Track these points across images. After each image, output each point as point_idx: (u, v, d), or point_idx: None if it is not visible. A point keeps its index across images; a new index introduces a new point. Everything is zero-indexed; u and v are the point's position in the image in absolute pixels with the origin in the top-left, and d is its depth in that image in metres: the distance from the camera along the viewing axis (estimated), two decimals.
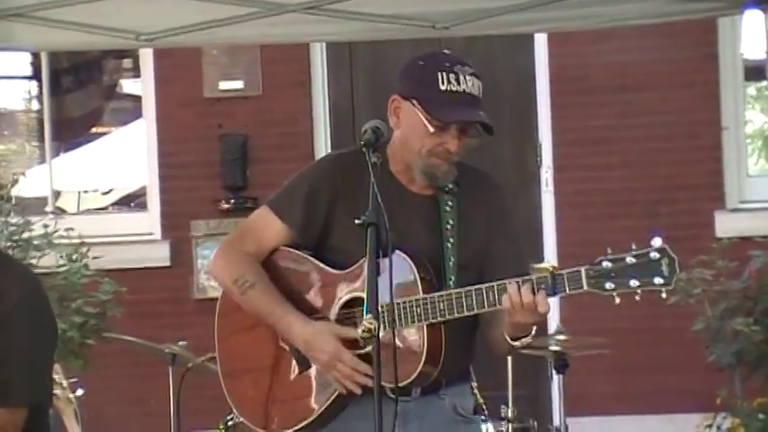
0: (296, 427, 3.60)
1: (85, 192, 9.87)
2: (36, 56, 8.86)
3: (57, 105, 8.93)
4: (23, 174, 7.85)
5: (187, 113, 8.27)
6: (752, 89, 8.63)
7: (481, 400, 5.03)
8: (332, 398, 3.56)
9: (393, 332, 3.44)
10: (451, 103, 3.53)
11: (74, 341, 6.67)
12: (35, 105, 9.62)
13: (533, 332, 3.44)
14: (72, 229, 7.21)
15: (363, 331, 3.26)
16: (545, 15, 6.10)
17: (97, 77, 9.52)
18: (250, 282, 3.63)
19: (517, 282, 3.35)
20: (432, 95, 3.53)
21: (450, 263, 3.52)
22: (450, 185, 3.57)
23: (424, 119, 3.54)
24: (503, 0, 5.66)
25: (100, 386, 6.14)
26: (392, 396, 3.41)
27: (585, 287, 3.32)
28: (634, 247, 3.33)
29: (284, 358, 3.64)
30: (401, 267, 3.47)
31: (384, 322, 3.39)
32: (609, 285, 3.31)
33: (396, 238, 3.42)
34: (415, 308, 3.44)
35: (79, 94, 9.38)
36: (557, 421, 5.75)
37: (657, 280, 3.30)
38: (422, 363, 3.44)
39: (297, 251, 3.68)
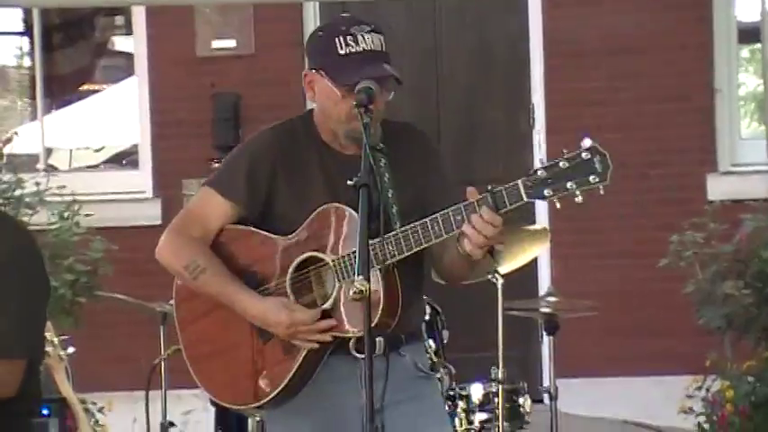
0: (272, 394, 3.63)
1: (77, 149, 9.83)
2: (28, 12, 8.81)
3: (48, 62, 8.90)
4: (16, 133, 7.83)
5: (179, 72, 8.26)
6: (745, 51, 8.61)
7: (435, 359, 5.08)
8: (301, 358, 3.60)
9: (387, 272, 3.48)
10: (353, 64, 3.56)
11: (65, 299, 6.68)
12: (27, 62, 9.58)
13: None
14: (64, 186, 7.19)
15: (354, 292, 3.27)
16: None
17: (89, 34, 9.48)
18: (201, 266, 3.67)
19: (463, 206, 3.41)
20: (333, 62, 3.58)
21: (394, 210, 3.57)
22: (380, 144, 3.60)
23: (332, 86, 3.59)
24: None
25: (91, 344, 6.14)
26: (357, 355, 3.54)
27: (525, 198, 3.38)
28: (565, 151, 3.36)
29: (247, 334, 3.67)
30: (350, 223, 3.54)
31: (345, 272, 3.51)
32: (547, 192, 3.36)
33: (337, 198, 3.56)
34: (385, 245, 3.48)
35: (71, 50, 9.34)
36: (546, 382, 5.75)
37: (593, 178, 3.35)
38: (380, 310, 3.48)
39: (242, 226, 3.72)
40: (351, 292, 3.29)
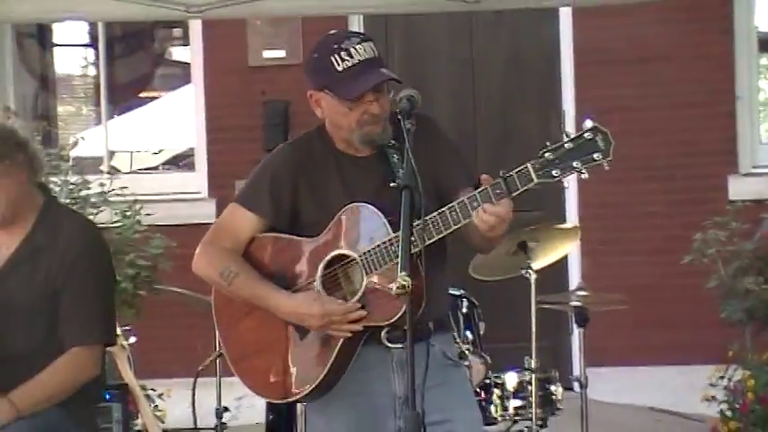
0: (311, 388, 3.64)
1: (138, 152, 9.89)
2: (93, 25, 8.87)
3: (111, 71, 8.96)
4: (82, 137, 7.88)
5: (232, 80, 8.29)
6: (765, 60, 8.55)
7: (463, 348, 5.07)
8: (336, 352, 3.60)
9: (419, 266, 3.45)
10: (353, 77, 3.56)
11: (127, 292, 6.71)
12: (91, 71, 9.64)
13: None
14: (126, 187, 7.23)
15: (398, 287, 3.27)
16: None
17: (149, 45, 9.54)
18: (234, 272, 3.68)
19: (477, 193, 3.41)
20: (334, 79, 3.58)
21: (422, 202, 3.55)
22: (392, 141, 3.62)
23: (338, 102, 3.60)
24: None
25: (151, 334, 6.17)
26: (388, 345, 3.57)
27: (536, 180, 3.40)
28: (569, 132, 3.40)
29: (283, 332, 3.68)
30: (372, 219, 3.56)
31: (371, 266, 3.52)
32: (555, 172, 3.40)
33: (356, 198, 3.58)
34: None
35: (132, 60, 9.41)
36: (577, 371, 5.74)
37: (597, 155, 3.38)
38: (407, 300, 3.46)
39: (270, 233, 3.73)
40: (394, 288, 3.29)
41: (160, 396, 6.75)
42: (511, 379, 5.29)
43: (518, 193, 3.40)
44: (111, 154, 8.92)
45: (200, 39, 8.33)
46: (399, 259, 3.32)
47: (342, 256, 3.61)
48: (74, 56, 9.94)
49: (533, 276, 5.35)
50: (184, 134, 8.80)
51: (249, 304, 3.71)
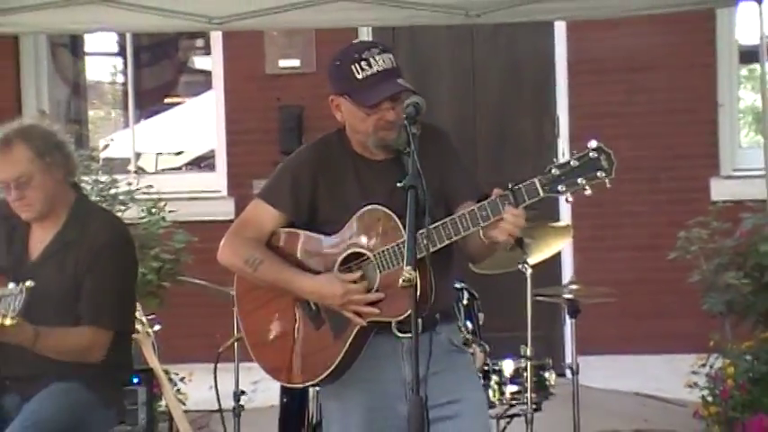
0: (325, 374, 3.64)
1: (162, 153, 9.90)
2: (122, 35, 8.88)
3: (138, 78, 8.96)
4: (112, 140, 7.88)
5: (250, 87, 8.29)
6: (744, 71, 8.54)
7: (469, 337, 5.07)
8: (349, 341, 3.60)
9: (426, 264, 3.42)
10: (371, 86, 3.55)
11: (152, 283, 6.72)
12: (120, 78, 9.65)
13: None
14: (151, 186, 7.23)
15: (403, 280, 3.27)
16: (564, 6, 6.09)
17: (173, 54, 9.55)
18: (259, 259, 3.67)
19: (487, 203, 3.41)
20: (354, 87, 3.57)
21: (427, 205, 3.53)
22: (405, 147, 3.59)
23: (356, 108, 3.60)
24: None
25: (174, 322, 6.17)
26: (398, 334, 3.57)
27: (542, 194, 3.42)
28: (575, 152, 3.39)
29: (300, 321, 3.68)
30: (387, 220, 3.55)
31: (385, 264, 3.52)
32: (561, 188, 3.41)
33: (371, 199, 3.58)
34: (420, 239, 3.42)
35: (157, 68, 9.41)
36: (569, 359, 5.74)
37: (600, 173, 3.39)
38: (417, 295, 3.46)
39: (291, 229, 3.72)
40: (400, 280, 3.29)
41: (182, 380, 6.76)
42: (508, 366, 5.28)
43: (524, 205, 3.41)
44: (138, 155, 8.93)
45: (220, 48, 8.34)
46: (405, 253, 3.32)
47: (357, 254, 3.61)
48: (104, 64, 9.96)
49: (529, 271, 5.35)
50: (206, 137, 8.81)
51: (269, 294, 3.71)
